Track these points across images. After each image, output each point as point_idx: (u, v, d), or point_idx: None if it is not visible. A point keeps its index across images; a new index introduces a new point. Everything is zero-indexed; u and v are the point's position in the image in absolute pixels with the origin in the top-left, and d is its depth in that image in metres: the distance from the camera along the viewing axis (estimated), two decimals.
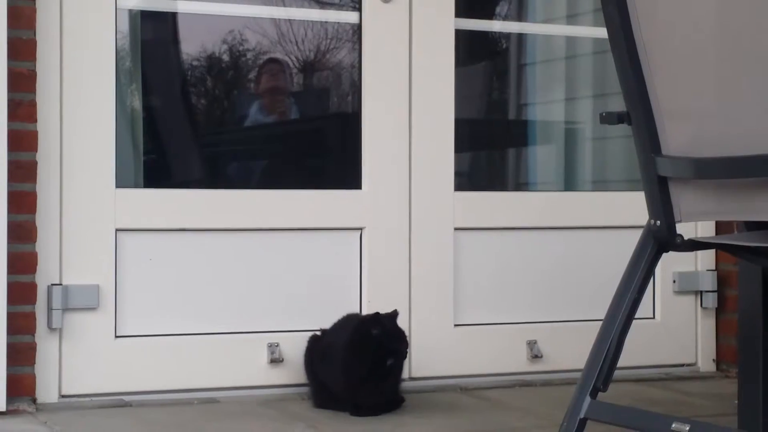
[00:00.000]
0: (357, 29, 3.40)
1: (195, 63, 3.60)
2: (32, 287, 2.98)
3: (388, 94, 3.36)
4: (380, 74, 3.36)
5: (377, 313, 2.99)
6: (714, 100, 2.04)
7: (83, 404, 3.02)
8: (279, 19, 3.52)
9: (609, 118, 2.24)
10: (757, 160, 1.92)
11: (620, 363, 2.10)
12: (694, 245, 2.21)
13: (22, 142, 2.95)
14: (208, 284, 3.20)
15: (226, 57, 3.58)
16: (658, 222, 2.13)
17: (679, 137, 2.11)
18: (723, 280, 3.66)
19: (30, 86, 2.96)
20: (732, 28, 1.97)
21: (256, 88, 3.65)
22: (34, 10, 2.96)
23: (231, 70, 3.67)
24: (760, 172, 1.94)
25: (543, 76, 3.92)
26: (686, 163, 2.07)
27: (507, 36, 3.91)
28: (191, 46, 3.53)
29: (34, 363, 2.97)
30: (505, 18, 3.95)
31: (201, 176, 3.56)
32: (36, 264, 2.98)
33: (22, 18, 2.94)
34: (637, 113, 2.15)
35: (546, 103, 3.96)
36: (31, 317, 2.97)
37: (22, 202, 2.95)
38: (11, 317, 2.92)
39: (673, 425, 1.96)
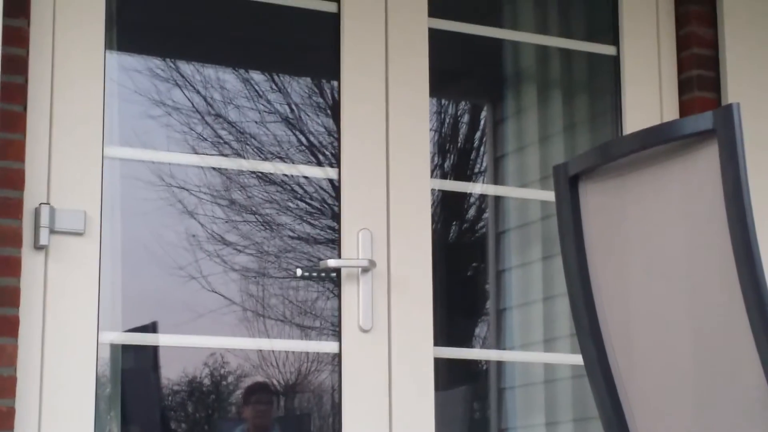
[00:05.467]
0: (337, 356, 3.42)
1: (176, 388, 3.59)
2: None
3: (368, 418, 3.35)
4: (360, 399, 3.35)
5: None
6: (693, 429, 2.04)
7: None
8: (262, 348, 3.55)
9: None
10: None
11: None
12: None
13: None
14: None
15: (207, 381, 3.58)
16: None
17: None
18: None
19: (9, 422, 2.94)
20: (710, 361, 1.99)
21: (242, 413, 3.64)
22: (16, 347, 2.98)
23: (212, 394, 3.67)
24: None
25: (523, 399, 3.92)
26: None
27: (486, 361, 3.94)
28: (172, 372, 3.54)
29: None
30: (483, 346, 3.99)
31: None
32: None
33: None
34: None
35: (527, 427, 3.95)
36: None
37: None
38: None
39: None
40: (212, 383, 3.59)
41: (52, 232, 3.07)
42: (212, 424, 3.72)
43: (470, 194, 4.01)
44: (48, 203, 3.08)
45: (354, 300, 3.38)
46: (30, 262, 3.05)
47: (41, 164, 3.11)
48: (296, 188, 3.63)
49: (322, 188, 3.64)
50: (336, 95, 3.58)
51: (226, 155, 3.56)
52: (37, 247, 3.06)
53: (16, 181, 3.03)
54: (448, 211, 3.91)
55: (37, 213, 3.06)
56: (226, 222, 3.56)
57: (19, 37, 3.09)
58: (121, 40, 3.38)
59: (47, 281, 3.07)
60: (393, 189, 3.48)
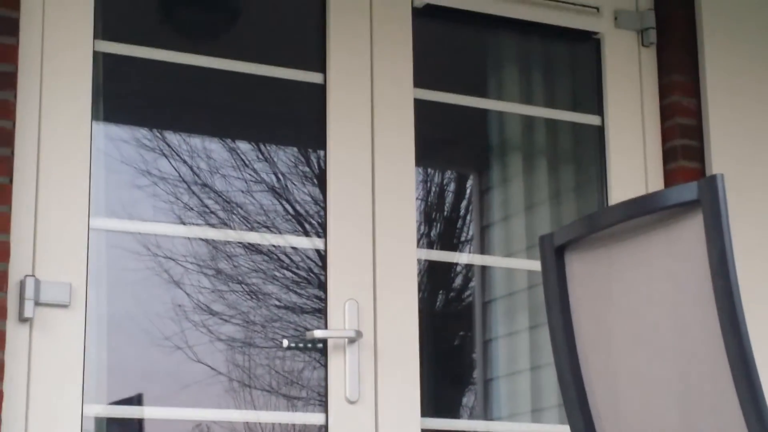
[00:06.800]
0: (324, 428, 3.40)
1: None
2: None
3: None
4: None
5: None
6: None
7: None
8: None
9: None
10: None
11: None
12: None
13: None
14: None
15: None
16: None
17: None
18: None
19: None
20: (698, 430, 1.99)
21: None
22: (0, 421, 2.96)
23: None
24: None
25: None
26: None
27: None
28: None
29: None
30: (471, 416, 3.97)
31: None
32: None
33: None
34: None
35: None
36: None
37: None
38: None
39: None
40: None
41: (38, 304, 3.06)
42: None
43: (457, 264, 4.01)
44: (33, 275, 3.07)
45: (341, 371, 3.37)
46: (15, 334, 3.04)
47: (27, 236, 3.10)
48: (283, 258, 3.63)
49: (308, 258, 3.64)
50: (322, 165, 3.59)
51: (212, 225, 3.56)
52: (22, 319, 3.04)
53: (1, 253, 3.03)
54: (435, 280, 3.90)
55: (22, 285, 3.05)
56: (213, 292, 3.55)
57: (5, 109, 3.10)
58: (107, 110, 3.39)
59: (32, 354, 3.06)
60: (379, 259, 3.48)
